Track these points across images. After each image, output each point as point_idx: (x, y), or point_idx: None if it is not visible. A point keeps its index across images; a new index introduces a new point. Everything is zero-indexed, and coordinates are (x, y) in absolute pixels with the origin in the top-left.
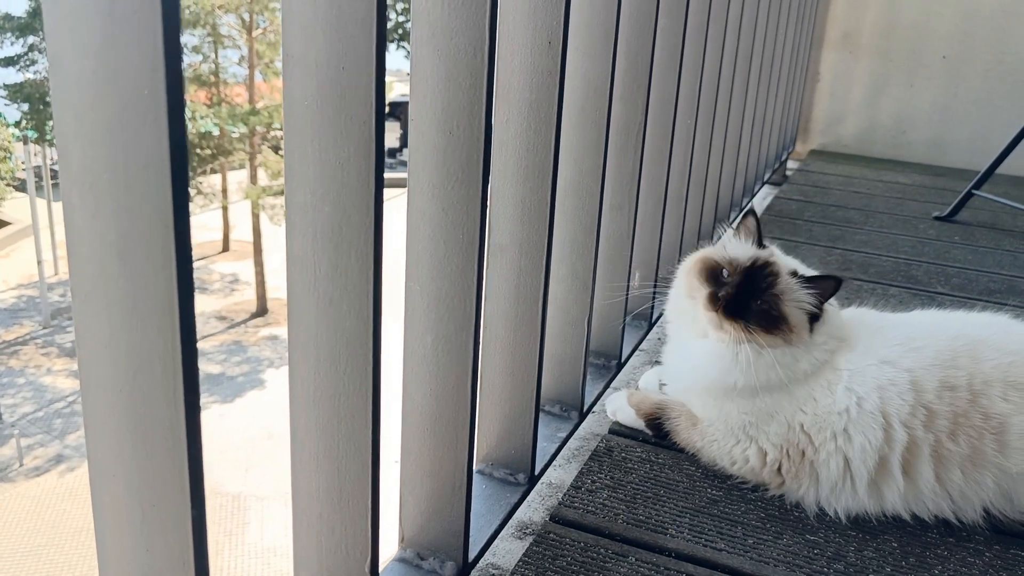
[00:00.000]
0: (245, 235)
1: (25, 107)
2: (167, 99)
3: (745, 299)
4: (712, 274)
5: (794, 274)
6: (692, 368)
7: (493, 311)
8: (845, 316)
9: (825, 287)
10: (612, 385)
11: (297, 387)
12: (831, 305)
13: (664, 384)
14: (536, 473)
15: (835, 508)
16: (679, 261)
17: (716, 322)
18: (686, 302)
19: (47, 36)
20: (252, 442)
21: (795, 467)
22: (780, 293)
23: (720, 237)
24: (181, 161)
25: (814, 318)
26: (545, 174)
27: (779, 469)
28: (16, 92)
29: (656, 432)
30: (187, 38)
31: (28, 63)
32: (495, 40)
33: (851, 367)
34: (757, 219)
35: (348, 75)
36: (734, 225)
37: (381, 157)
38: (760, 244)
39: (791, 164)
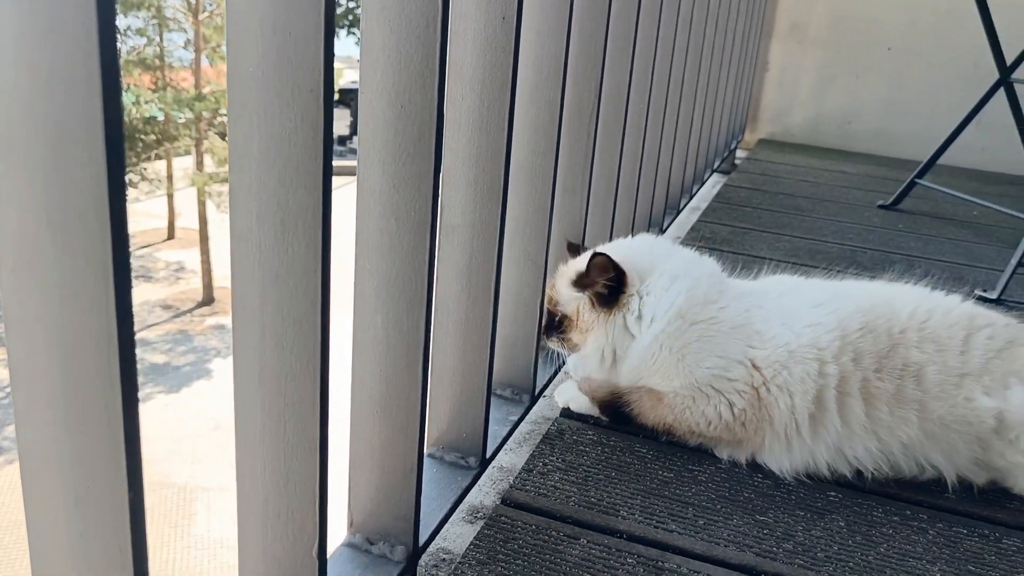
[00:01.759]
0: (191, 223)
1: None
2: (100, 55)
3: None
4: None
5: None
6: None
7: (445, 292)
8: (770, 281)
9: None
10: (563, 370)
11: (241, 367)
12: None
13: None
14: (487, 456)
15: (793, 463)
16: None
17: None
18: None
19: None
20: (199, 433)
21: (757, 414)
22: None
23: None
24: (116, 122)
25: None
26: (498, 154)
27: (744, 422)
28: None
29: (613, 417)
30: (131, 20)
31: None
32: (448, 12)
33: (781, 306)
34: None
35: (294, 41)
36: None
37: (329, 128)
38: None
39: (740, 153)
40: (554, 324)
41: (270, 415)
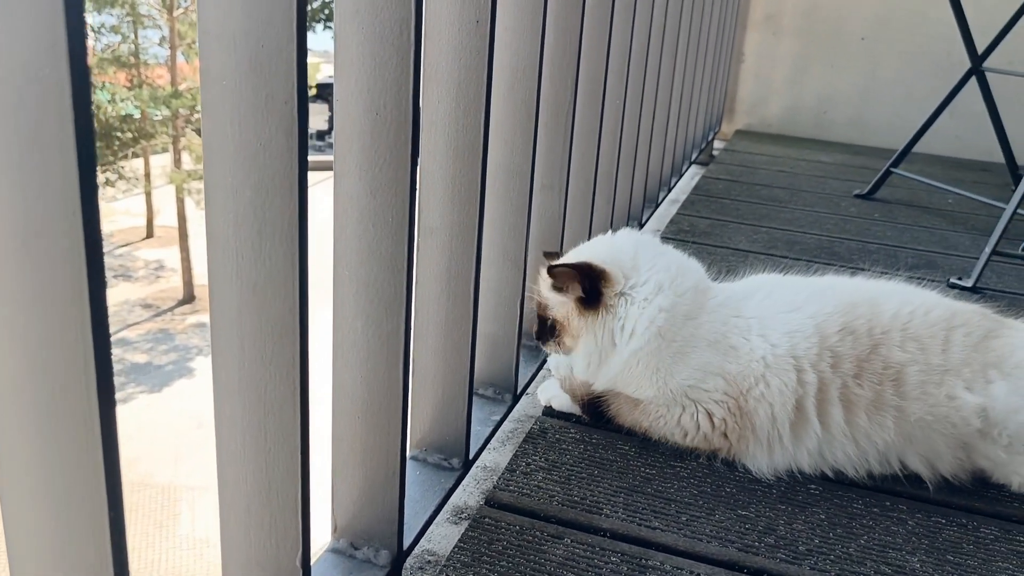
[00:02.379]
0: (170, 220)
1: None
2: (68, 52)
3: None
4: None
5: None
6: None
7: (425, 294)
8: (751, 284)
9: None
10: (545, 367)
11: (221, 377)
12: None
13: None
14: (471, 457)
15: (775, 467)
16: None
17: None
18: None
19: None
20: (182, 432)
21: (739, 424)
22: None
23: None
24: (86, 119)
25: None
26: (475, 155)
27: (725, 432)
28: None
29: (594, 416)
30: (105, 18)
31: None
32: (421, 17)
33: (760, 315)
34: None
35: (267, 52)
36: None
37: (304, 138)
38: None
39: (717, 144)
40: (547, 329)
41: (251, 424)
